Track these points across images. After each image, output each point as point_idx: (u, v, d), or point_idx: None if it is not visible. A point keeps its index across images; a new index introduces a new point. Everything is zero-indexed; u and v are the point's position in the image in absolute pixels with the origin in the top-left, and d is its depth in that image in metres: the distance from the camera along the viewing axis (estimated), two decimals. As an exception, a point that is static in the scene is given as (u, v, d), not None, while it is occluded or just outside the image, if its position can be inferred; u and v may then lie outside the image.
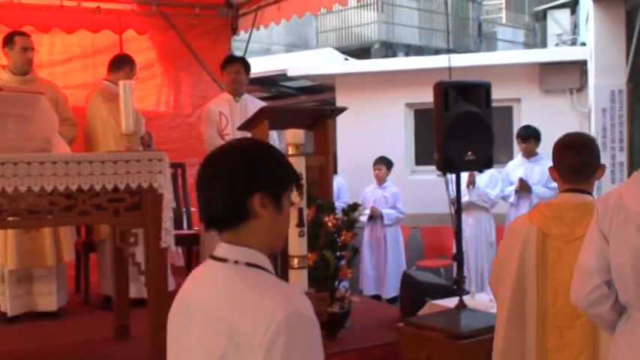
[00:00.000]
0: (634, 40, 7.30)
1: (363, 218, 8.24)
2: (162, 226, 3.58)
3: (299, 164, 3.39)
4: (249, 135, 4.67)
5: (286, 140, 3.38)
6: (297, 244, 3.43)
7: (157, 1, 7.12)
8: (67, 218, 3.52)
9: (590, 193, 2.81)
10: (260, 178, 1.75)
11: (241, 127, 4.67)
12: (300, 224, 3.41)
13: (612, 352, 2.37)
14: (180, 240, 6.20)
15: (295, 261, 3.42)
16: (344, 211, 4.34)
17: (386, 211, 8.09)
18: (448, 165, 4.64)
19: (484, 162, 4.82)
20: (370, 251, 8.26)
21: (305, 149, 5.06)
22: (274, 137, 5.68)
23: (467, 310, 3.38)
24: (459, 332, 3.12)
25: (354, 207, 4.33)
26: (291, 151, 3.38)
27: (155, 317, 3.65)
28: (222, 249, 1.78)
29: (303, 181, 3.40)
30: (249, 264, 1.73)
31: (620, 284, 2.29)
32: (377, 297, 8.18)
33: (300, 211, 3.41)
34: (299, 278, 3.43)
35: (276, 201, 1.77)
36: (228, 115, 5.69)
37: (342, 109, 5.01)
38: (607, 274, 2.34)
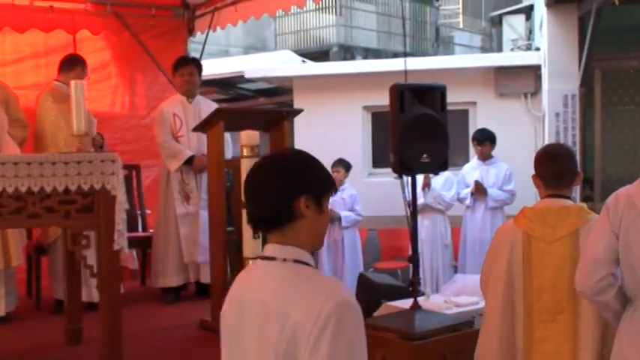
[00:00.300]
0: (586, 45, 7.43)
1: (321, 221, 8.24)
2: (114, 228, 3.52)
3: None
4: (204, 136, 4.64)
5: (241, 141, 3.36)
6: (252, 246, 3.42)
7: (112, 1, 7.03)
8: (16, 221, 3.45)
9: (569, 198, 3.04)
10: (305, 183, 1.94)
11: (196, 129, 4.64)
12: (254, 226, 3.40)
13: (617, 342, 2.62)
14: (134, 242, 6.13)
15: (250, 263, 3.41)
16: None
17: (344, 214, 8.09)
18: (404, 167, 4.66)
19: (439, 164, 4.85)
20: (328, 253, 8.24)
21: (261, 151, 5.05)
22: (227, 139, 5.65)
23: (421, 311, 3.39)
24: (413, 333, 3.14)
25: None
26: (246, 152, 3.37)
27: (108, 321, 3.60)
28: (270, 249, 1.98)
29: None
30: (296, 261, 1.92)
31: (631, 277, 2.54)
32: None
33: (255, 212, 3.40)
34: (254, 280, 3.41)
35: (319, 203, 1.95)
36: (182, 117, 5.64)
37: (298, 111, 5.01)
38: (613, 266, 2.60)
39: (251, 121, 4.58)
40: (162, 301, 5.59)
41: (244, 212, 3.37)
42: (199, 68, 5.92)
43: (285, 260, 1.92)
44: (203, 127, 4.45)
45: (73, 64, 5.51)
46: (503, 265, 2.93)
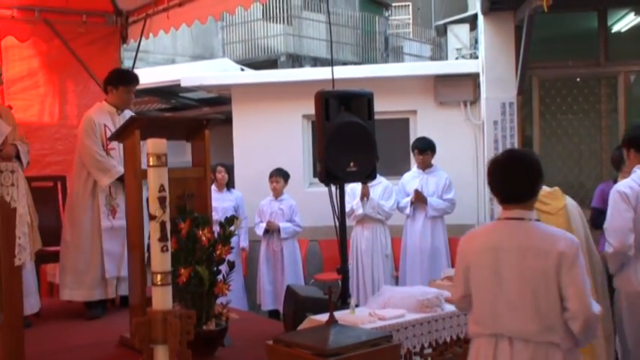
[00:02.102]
0: (521, 53, 7.44)
1: (260, 232, 8.11)
2: (15, 242, 3.34)
3: (161, 175, 3.22)
4: (121, 145, 4.48)
5: (147, 150, 3.19)
6: (160, 260, 3.25)
7: (40, 8, 6.82)
8: None
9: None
10: (541, 175, 3.19)
11: (112, 138, 4.47)
12: (162, 238, 3.23)
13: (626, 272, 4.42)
14: (56, 256, 5.91)
15: (158, 277, 3.24)
16: (221, 224, 4.18)
17: (283, 225, 7.98)
18: (330, 176, 4.57)
19: (367, 173, 4.78)
20: (267, 265, 8.12)
21: (185, 160, 4.89)
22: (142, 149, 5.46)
23: (337, 325, 3.27)
24: (325, 349, 3.01)
25: (230, 220, 4.18)
26: (152, 161, 3.20)
27: (9, 341, 3.39)
28: (518, 214, 3.15)
29: (165, 193, 3.23)
30: (536, 220, 3.18)
31: None
32: (276, 312, 8.04)
33: (163, 224, 3.23)
34: (163, 296, 3.24)
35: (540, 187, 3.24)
36: (112, 128, 5.42)
37: (219, 120, 4.88)
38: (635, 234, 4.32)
39: (170, 130, 4.44)
40: (86, 316, 5.38)
41: (154, 225, 3.23)
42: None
43: (530, 220, 3.14)
44: (119, 135, 4.29)
45: None
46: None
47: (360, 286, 7.56)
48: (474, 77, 8.59)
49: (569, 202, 4.74)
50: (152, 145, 3.23)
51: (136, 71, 7.13)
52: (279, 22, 17.74)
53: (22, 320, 3.47)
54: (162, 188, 3.23)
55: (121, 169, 5.21)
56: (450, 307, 4.20)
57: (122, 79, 5.63)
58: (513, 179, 3.15)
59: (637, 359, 4.39)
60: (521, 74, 7.72)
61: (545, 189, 4.36)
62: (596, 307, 3.00)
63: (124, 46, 7.55)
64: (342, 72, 8.22)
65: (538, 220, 3.19)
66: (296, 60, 17.27)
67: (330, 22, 5.68)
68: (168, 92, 10.95)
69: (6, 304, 3.38)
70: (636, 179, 4.40)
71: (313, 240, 8.82)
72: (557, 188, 4.74)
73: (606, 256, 4.51)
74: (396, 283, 7.57)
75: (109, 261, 5.24)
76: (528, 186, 3.16)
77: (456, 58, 10.99)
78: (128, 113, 5.55)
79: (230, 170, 8.52)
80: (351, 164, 4.58)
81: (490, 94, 8.11)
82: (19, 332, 3.40)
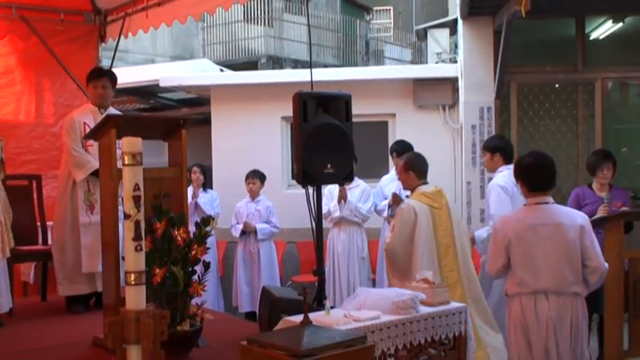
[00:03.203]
0: (500, 58, 7.49)
1: (236, 233, 8.09)
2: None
3: (135, 174, 3.20)
4: (96, 144, 4.46)
5: (121, 149, 3.18)
6: (134, 259, 3.23)
7: (18, 5, 6.77)
8: None
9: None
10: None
11: (88, 136, 4.45)
12: (136, 238, 3.21)
13: None
14: (33, 256, 5.89)
15: (132, 277, 3.21)
16: (196, 224, 4.16)
17: (259, 226, 7.96)
18: (307, 177, 4.57)
19: (344, 175, 4.78)
20: (244, 267, 8.09)
21: (162, 160, 4.87)
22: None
23: (311, 326, 3.27)
24: (299, 350, 3.00)
25: (206, 220, 4.16)
26: (127, 160, 3.18)
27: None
28: (544, 199, 4.27)
29: (140, 193, 3.22)
30: (557, 203, 4.33)
31: None
32: (253, 314, 8.02)
33: (137, 223, 3.21)
34: (136, 295, 3.22)
35: None
36: (92, 126, 5.44)
37: (200, 120, 4.87)
38: None
39: (147, 130, 4.41)
40: (69, 311, 5.42)
41: (128, 224, 3.21)
42: (113, 80, 5.76)
43: (552, 203, 4.26)
44: (94, 134, 4.26)
45: None
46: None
47: (336, 288, 7.56)
48: (453, 81, 8.63)
49: (449, 199, 5.47)
50: (127, 144, 3.21)
51: (115, 70, 7.11)
52: (260, 24, 17.73)
53: (-7, 319, 3.42)
54: (137, 187, 3.21)
55: (95, 164, 5.24)
56: (425, 309, 4.21)
57: (89, 76, 5.72)
58: (543, 173, 4.31)
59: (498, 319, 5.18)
60: (499, 79, 7.77)
61: (432, 188, 5.31)
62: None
63: (103, 45, 7.51)
64: (321, 74, 8.22)
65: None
66: (277, 62, 17.26)
67: (309, 25, 5.72)
68: (147, 92, 10.89)
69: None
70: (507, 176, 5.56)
71: (291, 242, 8.81)
72: (441, 188, 5.39)
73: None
74: (373, 286, 7.58)
75: (87, 256, 5.25)
76: (552, 178, 4.35)
77: (436, 62, 11.03)
78: (114, 112, 5.54)
79: (207, 171, 8.49)
80: (329, 166, 4.57)
81: (468, 99, 8.15)
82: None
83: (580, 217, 4.26)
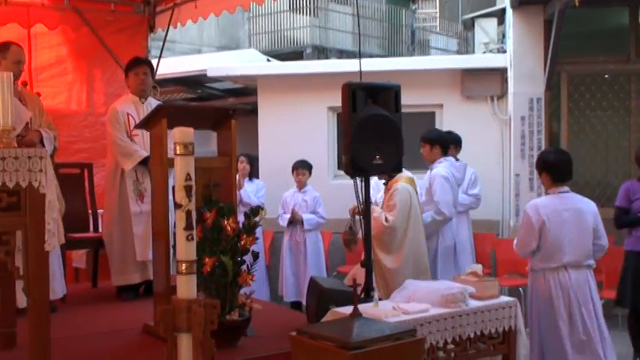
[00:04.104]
0: (551, 48, 7.36)
1: (284, 223, 8.11)
2: (44, 228, 3.36)
3: (187, 164, 3.23)
4: (147, 133, 4.50)
5: (174, 139, 3.20)
6: (185, 249, 3.26)
7: (70, -5, 6.86)
8: None
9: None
10: None
11: (138, 126, 4.49)
12: (188, 227, 3.24)
13: None
14: (85, 243, 5.98)
15: (183, 266, 3.25)
16: (246, 214, 4.18)
17: (306, 216, 7.97)
18: (356, 168, 4.54)
19: (393, 166, 4.75)
20: (290, 257, 8.12)
21: (213, 150, 4.89)
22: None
23: (361, 318, 3.26)
24: (349, 342, 3.00)
25: (255, 211, 4.18)
26: (179, 150, 3.21)
27: (36, 324, 3.42)
28: (565, 188, 5.03)
29: (192, 182, 3.24)
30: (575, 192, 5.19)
31: None
32: (297, 303, 8.05)
33: (189, 213, 3.24)
34: (187, 284, 3.25)
35: None
36: (136, 117, 5.53)
37: (245, 110, 4.90)
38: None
39: (197, 120, 4.45)
40: (119, 299, 5.53)
41: (180, 213, 3.24)
42: (152, 69, 5.86)
43: (570, 192, 5.01)
44: (146, 124, 4.30)
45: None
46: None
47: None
48: (502, 72, 8.51)
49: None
50: (179, 134, 3.24)
51: (163, 61, 7.19)
52: (306, 14, 17.71)
53: (48, 305, 3.49)
54: (188, 177, 3.24)
55: (143, 153, 5.32)
56: (474, 303, 4.18)
57: (130, 64, 5.79)
58: (566, 167, 5.09)
59: None
60: (549, 69, 7.64)
61: (409, 175, 5.72)
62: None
63: (152, 35, 7.58)
64: (368, 64, 8.14)
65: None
66: (322, 52, 17.22)
67: (358, 15, 5.67)
68: (194, 82, 10.98)
69: (33, 289, 3.41)
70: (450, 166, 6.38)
71: (337, 232, 8.79)
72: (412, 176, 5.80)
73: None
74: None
75: (139, 244, 5.33)
76: (571, 171, 5.14)
77: (483, 53, 10.89)
78: (154, 103, 5.61)
79: (254, 161, 8.53)
80: (377, 157, 4.54)
81: (518, 89, 8.03)
82: (45, 317, 3.43)
83: (592, 204, 5.12)
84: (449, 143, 6.64)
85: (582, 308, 4.90)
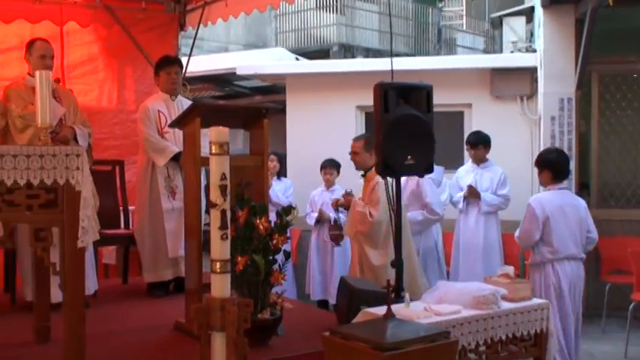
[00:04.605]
0: (582, 48, 7.29)
1: (311, 221, 8.12)
2: (79, 225, 3.40)
3: (222, 164, 3.24)
4: (178, 131, 4.52)
5: (209, 138, 3.22)
6: (220, 248, 3.28)
7: (102, -6, 6.92)
8: (-25, 214, 3.32)
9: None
10: None
11: (172, 124, 4.52)
12: (222, 226, 3.26)
13: None
14: (116, 239, 6.03)
15: (218, 265, 3.26)
16: (278, 214, 4.19)
17: (334, 215, 7.96)
18: (387, 169, 4.54)
19: (425, 167, 4.73)
20: (318, 255, 8.13)
21: (240, 148, 4.90)
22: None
23: (395, 319, 3.25)
24: (383, 343, 2.99)
25: (287, 210, 4.19)
26: (214, 149, 3.22)
27: (71, 321, 3.46)
28: (563, 186, 5.60)
29: (226, 182, 3.25)
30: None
31: None
32: (324, 302, 8.05)
33: (223, 212, 3.26)
34: (221, 283, 3.27)
35: None
36: (167, 114, 5.57)
37: (278, 109, 4.91)
38: None
39: (229, 118, 4.47)
40: (149, 295, 5.56)
41: (214, 213, 3.25)
42: (182, 67, 5.89)
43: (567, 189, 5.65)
44: (179, 122, 4.33)
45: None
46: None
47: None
48: (532, 71, 8.45)
49: None
50: (215, 134, 3.25)
51: (192, 58, 7.22)
52: (332, 12, 17.70)
53: (83, 301, 3.53)
54: (223, 177, 3.25)
55: (175, 148, 5.36)
56: (506, 305, 4.15)
57: (158, 64, 5.82)
58: (565, 166, 5.64)
59: None
60: (581, 69, 7.57)
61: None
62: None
63: (181, 33, 7.63)
64: (398, 63, 8.13)
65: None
66: (348, 50, 17.22)
67: (390, 14, 5.63)
68: (222, 80, 11.03)
69: (69, 284, 3.45)
70: None
71: (364, 231, 8.79)
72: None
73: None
74: (447, 279, 7.50)
75: (171, 241, 5.35)
76: (569, 170, 5.78)
77: (512, 51, 10.83)
78: (185, 102, 5.64)
79: (283, 159, 8.54)
80: (409, 157, 4.53)
81: (548, 89, 7.96)
82: (80, 312, 3.47)
83: (582, 201, 5.74)
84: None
85: (577, 297, 5.52)
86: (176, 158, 5.39)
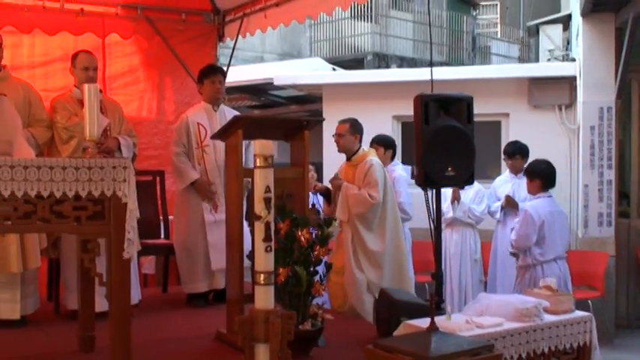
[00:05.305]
0: (622, 56, 7.21)
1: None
2: (125, 236, 3.45)
3: (267, 176, 3.27)
4: (218, 142, 4.56)
5: (254, 151, 3.26)
6: (264, 260, 3.31)
7: (143, 6, 7.00)
8: (26, 225, 3.37)
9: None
10: None
11: (215, 137, 4.56)
12: (266, 239, 3.28)
13: None
14: (157, 249, 6.09)
15: (261, 277, 3.29)
16: (318, 225, 4.21)
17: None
18: (428, 180, 4.54)
19: (465, 178, 4.73)
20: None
21: (281, 160, 4.94)
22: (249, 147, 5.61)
23: (438, 332, 3.25)
24: (427, 356, 3.00)
25: (328, 222, 4.20)
26: (259, 162, 3.26)
27: (117, 330, 3.52)
28: (549, 194, 6.10)
29: (271, 194, 3.28)
30: None
31: None
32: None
33: (267, 225, 3.28)
34: (265, 295, 3.30)
35: None
36: (207, 126, 5.60)
37: (318, 121, 4.94)
38: None
39: (271, 130, 4.50)
40: (189, 306, 5.60)
41: (259, 225, 3.28)
42: (225, 77, 5.94)
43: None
44: (222, 134, 4.37)
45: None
46: None
47: (447, 290, 7.49)
48: (570, 80, 8.37)
49: None
50: (259, 147, 3.29)
51: (229, 69, 7.28)
52: (367, 21, 17.72)
53: (129, 311, 3.58)
54: (268, 189, 3.28)
55: (193, 176, 5.48)
56: (549, 318, 4.13)
57: (203, 73, 5.84)
58: (554, 176, 6.18)
59: None
60: (621, 78, 7.48)
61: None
62: None
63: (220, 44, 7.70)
64: (435, 73, 8.13)
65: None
66: (382, 59, 17.22)
67: (430, 25, 5.64)
68: (259, 90, 11.10)
69: (115, 295, 3.50)
70: None
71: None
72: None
73: None
74: (484, 288, 7.46)
75: (215, 253, 5.39)
76: (555, 180, 6.24)
77: (548, 60, 10.74)
78: (229, 112, 5.66)
79: (319, 169, 8.56)
80: (449, 169, 4.54)
81: (588, 98, 7.89)
82: (126, 322, 3.52)
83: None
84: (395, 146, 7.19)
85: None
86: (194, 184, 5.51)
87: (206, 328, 4.71)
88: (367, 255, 5.42)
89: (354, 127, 5.75)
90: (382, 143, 7.04)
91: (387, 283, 5.24)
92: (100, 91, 5.71)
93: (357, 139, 5.74)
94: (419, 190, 4.84)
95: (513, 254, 6.39)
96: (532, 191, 6.21)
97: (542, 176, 6.11)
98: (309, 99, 10.88)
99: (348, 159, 5.70)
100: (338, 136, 5.78)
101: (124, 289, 3.52)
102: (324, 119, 5.29)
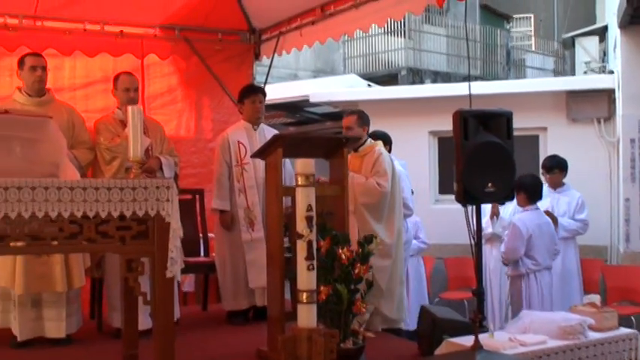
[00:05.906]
0: (664, 69, 7.14)
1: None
2: (168, 255, 3.49)
3: (309, 195, 3.29)
4: (263, 162, 4.60)
5: (295, 170, 3.28)
6: (306, 278, 3.32)
7: (180, 27, 7.10)
8: (72, 245, 3.44)
9: None
10: None
11: (255, 155, 4.60)
12: (309, 257, 3.30)
13: None
14: (197, 267, 6.13)
15: (304, 295, 3.31)
16: (359, 243, 4.21)
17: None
18: (468, 196, 4.52)
19: (505, 194, 4.70)
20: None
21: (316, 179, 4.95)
22: (287, 166, 5.62)
23: (483, 351, 3.23)
24: (473, 375, 2.98)
25: (369, 239, 4.20)
26: (300, 181, 3.28)
27: (161, 348, 3.54)
28: (536, 207, 6.24)
29: (312, 213, 3.30)
30: None
31: None
32: (397, 330, 7.97)
33: (310, 243, 3.30)
34: (308, 314, 3.31)
35: None
36: (247, 145, 5.65)
37: (357, 139, 4.94)
38: None
39: (310, 148, 4.52)
40: (229, 323, 5.64)
41: (301, 244, 3.29)
42: (265, 97, 6.00)
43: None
44: (262, 153, 4.41)
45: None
46: None
47: (488, 307, 7.41)
48: (609, 93, 8.30)
49: None
50: (301, 165, 3.31)
51: (266, 86, 7.34)
52: (400, 36, 17.73)
53: (173, 328, 3.61)
54: (309, 208, 3.31)
55: (223, 206, 5.61)
56: (593, 335, 4.07)
57: (243, 93, 5.89)
58: (540, 189, 6.34)
59: None
60: (662, 90, 7.40)
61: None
62: None
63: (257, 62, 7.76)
64: (472, 88, 8.13)
65: None
66: (416, 74, 17.20)
67: (467, 39, 5.64)
68: (294, 107, 11.16)
69: (159, 313, 3.53)
70: None
71: (439, 258, 8.72)
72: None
73: None
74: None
75: (252, 271, 5.42)
76: (542, 193, 6.41)
77: (585, 72, 10.65)
78: (268, 132, 5.71)
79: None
80: (489, 185, 4.51)
81: (627, 111, 7.79)
82: (170, 340, 3.55)
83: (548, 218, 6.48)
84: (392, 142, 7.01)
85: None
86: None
87: (247, 346, 4.73)
88: (382, 251, 5.29)
89: (361, 119, 5.69)
90: (382, 138, 6.66)
91: (390, 276, 5.22)
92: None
93: (364, 131, 5.66)
94: (458, 206, 4.82)
95: (504, 264, 6.53)
96: (520, 204, 6.34)
97: (526, 190, 6.19)
98: (344, 115, 10.90)
99: (355, 150, 5.58)
100: (346, 129, 5.70)
101: (167, 308, 3.55)
102: (361, 137, 5.30)
